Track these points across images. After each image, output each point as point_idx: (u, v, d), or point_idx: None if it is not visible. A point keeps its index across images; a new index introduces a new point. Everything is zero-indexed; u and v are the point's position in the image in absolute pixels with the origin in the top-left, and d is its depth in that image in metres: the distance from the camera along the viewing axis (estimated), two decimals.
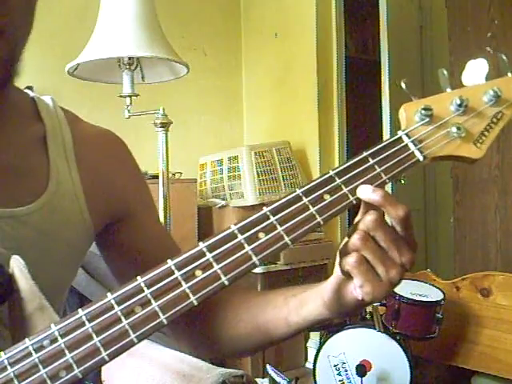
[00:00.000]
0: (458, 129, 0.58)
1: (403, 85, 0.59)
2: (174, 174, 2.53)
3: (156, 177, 1.95)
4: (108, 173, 0.77)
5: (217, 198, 2.72)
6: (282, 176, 2.65)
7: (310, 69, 2.84)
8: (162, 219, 1.88)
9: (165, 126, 1.86)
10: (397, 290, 2.05)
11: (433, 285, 2.15)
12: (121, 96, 1.82)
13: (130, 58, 1.76)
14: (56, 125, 0.74)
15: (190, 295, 0.53)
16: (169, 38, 1.81)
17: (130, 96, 1.82)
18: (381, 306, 2.10)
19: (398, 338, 1.98)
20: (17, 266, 0.55)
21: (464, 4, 2.53)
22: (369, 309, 2.16)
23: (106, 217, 0.76)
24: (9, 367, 0.50)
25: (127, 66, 1.78)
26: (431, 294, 2.07)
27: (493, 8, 2.40)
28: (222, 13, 3.22)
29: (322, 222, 0.56)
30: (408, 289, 2.08)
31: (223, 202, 2.66)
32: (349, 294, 0.60)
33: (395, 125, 2.82)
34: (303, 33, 2.88)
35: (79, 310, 0.52)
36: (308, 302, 0.65)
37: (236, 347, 0.75)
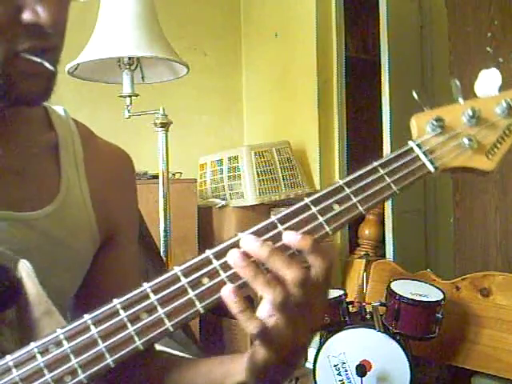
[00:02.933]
0: (470, 140, 0.58)
1: (415, 95, 0.58)
2: (174, 174, 2.53)
3: (156, 177, 1.95)
4: (111, 192, 0.78)
5: (217, 198, 2.72)
6: (282, 176, 2.65)
7: (310, 69, 2.84)
8: (161, 219, 1.88)
9: (165, 125, 1.86)
10: (397, 290, 2.05)
11: (433, 285, 2.15)
12: (121, 96, 1.82)
13: (130, 58, 1.76)
14: (68, 135, 0.75)
15: (196, 302, 0.53)
16: (169, 38, 1.81)
17: (130, 96, 1.82)
18: (381, 306, 2.10)
19: (397, 338, 1.98)
20: (25, 270, 0.55)
21: (464, 4, 2.53)
22: (369, 309, 2.16)
23: (105, 233, 0.77)
24: (14, 370, 0.51)
25: (127, 66, 1.78)
26: (431, 293, 2.06)
27: (493, 8, 2.39)
28: (222, 13, 3.22)
29: (330, 233, 0.55)
30: (408, 289, 2.08)
31: (223, 202, 2.66)
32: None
33: (395, 125, 2.82)
34: (303, 33, 2.87)
35: (85, 315, 0.52)
36: (233, 374, 0.63)
37: None
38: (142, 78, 1.88)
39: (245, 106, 3.28)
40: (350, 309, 2.15)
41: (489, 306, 2.16)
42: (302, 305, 0.53)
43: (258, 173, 2.58)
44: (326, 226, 0.55)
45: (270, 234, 0.54)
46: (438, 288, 2.11)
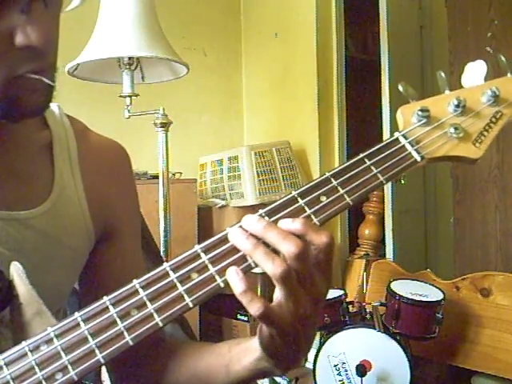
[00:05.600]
0: (456, 129, 0.58)
1: (400, 88, 0.59)
2: (173, 174, 2.53)
3: (156, 177, 1.95)
4: (107, 186, 0.77)
5: (217, 198, 2.72)
6: (282, 176, 2.65)
7: (310, 69, 2.84)
8: (161, 219, 1.88)
9: (165, 125, 1.86)
10: (397, 289, 2.05)
11: (433, 285, 2.15)
12: (121, 96, 1.82)
13: (130, 58, 1.77)
14: (62, 132, 0.75)
15: (185, 297, 0.53)
16: (169, 38, 1.81)
17: (130, 96, 1.82)
18: (381, 306, 2.10)
19: (397, 338, 1.97)
20: (16, 272, 0.56)
21: (464, 4, 2.53)
22: (369, 309, 2.16)
23: (102, 229, 0.76)
24: (5, 369, 0.51)
25: (127, 66, 1.78)
26: (431, 294, 2.06)
27: (493, 8, 2.39)
28: (222, 13, 3.22)
29: (318, 224, 0.55)
30: (408, 289, 2.07)
31: (223, 202, 2.66)
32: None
33: (395, 125, 2.80)
34: (303, 33, 2.87)
35: (75, 312, 0.52)
36: (250, 351, 0.63)
37: None
38: (142, 78, 1.88)
39: (245, 106, 3.28)
40: (350, 309, 2.15)
41: (489, 306, 2.16)
42: (304, 279, 0.53)
43: (257, 173, 2.59)
44: (313, 218, 0.55)
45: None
46: (437, 288, 2.11)
